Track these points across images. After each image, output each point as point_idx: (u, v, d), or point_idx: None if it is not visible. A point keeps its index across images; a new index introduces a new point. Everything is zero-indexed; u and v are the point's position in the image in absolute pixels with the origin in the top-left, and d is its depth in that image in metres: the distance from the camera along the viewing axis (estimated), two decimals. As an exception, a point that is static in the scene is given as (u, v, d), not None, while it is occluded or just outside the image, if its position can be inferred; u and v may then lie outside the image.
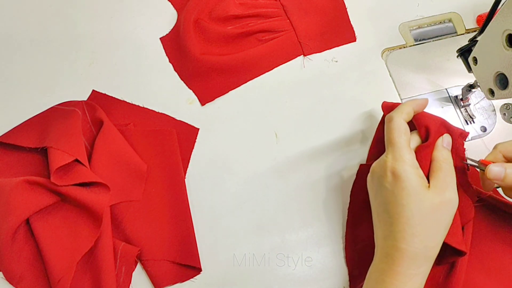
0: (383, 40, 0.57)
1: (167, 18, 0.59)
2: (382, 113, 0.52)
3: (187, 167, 0.51)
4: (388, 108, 0.46)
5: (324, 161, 0.51)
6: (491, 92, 0.43)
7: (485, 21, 0.42)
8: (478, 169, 0.41)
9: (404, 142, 0.39)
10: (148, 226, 0.48)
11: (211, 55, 0.55)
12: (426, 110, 0.53)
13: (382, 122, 0.51)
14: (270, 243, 0.48)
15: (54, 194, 0.47)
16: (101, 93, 0.54)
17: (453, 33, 0.57)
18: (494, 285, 0.44)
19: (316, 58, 0.56)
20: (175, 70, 0.56)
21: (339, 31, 0.57)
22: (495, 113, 0.53)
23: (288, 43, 0.56)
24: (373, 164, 0.41)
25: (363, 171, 0.49)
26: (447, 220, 0.38)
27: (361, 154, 0.51)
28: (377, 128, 0.51)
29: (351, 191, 0.49)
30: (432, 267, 0.39)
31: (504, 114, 0.53)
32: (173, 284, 0.46)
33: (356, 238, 0.47)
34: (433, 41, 0.57)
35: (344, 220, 0.48)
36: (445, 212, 0.37)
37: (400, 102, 0.53)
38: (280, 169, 0.51)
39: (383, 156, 0.40)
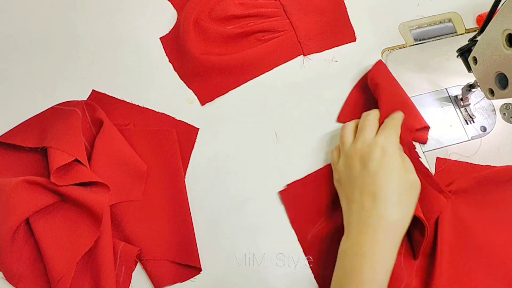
0: (383, 40, 0.57)
1: (167, 18, 0.59)
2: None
3: (187, 167, 0.51)
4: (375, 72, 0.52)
5: (324, 161, 0.51)
6: (491, 92, 0.43)
7: (485, 21, 0.42)
8: None
9: (397, 127, 0.45)
10: (148, 226, 0.48)
11: (211, 55, 0.55)
12: (427, 109, 0.53)
13: (361, 81, 0.54)
14: (270, 243, 0.48)
15: (54, 194, 0.47)
16: (101, 93, 0.54)
17: (453, 33, 0.57)
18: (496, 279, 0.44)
19: (316, 58, 0.56)
20: (175, 70, 0.56)
21: (339, 31, 0.57)
22: (495, 113, 0.53)
23: (288, 43, 0.56)
24: (358, 146, 0.44)
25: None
26: (416, 198, 0.42)
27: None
28: (356, 85, 0.54)
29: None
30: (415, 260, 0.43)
31: (504, 114, 0.53)
32: (173, 284, 0.46)
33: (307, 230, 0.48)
34: (433, 41, 0.57)
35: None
36: (415, 191, 0.42)
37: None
38: (280, 169, 0.51)
39: (369, 138, 0.44)
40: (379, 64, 0.52)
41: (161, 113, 0.53)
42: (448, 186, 0.47)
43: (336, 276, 0.41)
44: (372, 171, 0.42)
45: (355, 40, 0.57)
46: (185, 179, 0.50)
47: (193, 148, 0.52)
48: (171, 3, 0.59)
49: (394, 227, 0.40)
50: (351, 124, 0.48)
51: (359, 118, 0.48)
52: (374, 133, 0.45)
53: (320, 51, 0.56)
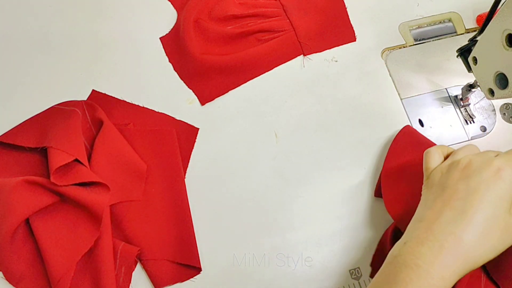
0: (383, 40, 0.57)
1: (167, 18, 0.58)
2: (383, 114, 0.52)
3: (187, 167, 0.51)
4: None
5: (324, 161, 0.51)
6: (491, 92, 0.43)
7: (485, 21, 0.42)
8: None
9: None
10: (148, 226, 0.48)
11: (211, 55, 0.55)
12: (427, 109, 0.53)
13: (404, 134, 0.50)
14: (270, 243, 0.48)
15: (53, 194, 0.46)
16: (101, 93, 0.54)
17: (453, 33, 0.57)
18: None
19: (316, 58, 0.56)
20: (175, 70, 0.56)
21: (339, 31, 0.57)
22: (495, 113, 0.53)
23: (288, 43, 0.56)
24: (471, 157, 0.38)
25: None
26: (503, 246, 0.35)
27: (361, 153, 0.51)
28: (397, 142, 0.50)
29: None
30: None
31: (504, 113, 0.53)
32: (173, 284, 0.46)
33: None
34: (433, 41, 0.57)
35: (343, 220, 0.48)
36: (508, 238, 0.35)
37: (400, 102, 0.53)
38: (280, 169, 0.51)
39: (487, 154, 0.37)
40: (406, 131, 0.50)
41: (161, 113, 0.53)
42: None
43: (376, 282, 0.35)
44: (471, 187, 0.35)
45: (355, 40, 0.57)
46: (185, 179, 0.50)
47: (193, 148, 0.52)
48: (171, 3, 0.59)
49: (466, 255, 0.33)
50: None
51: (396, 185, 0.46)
52: (495, 154, 0.37)
53: (320, 51, 0.56)
